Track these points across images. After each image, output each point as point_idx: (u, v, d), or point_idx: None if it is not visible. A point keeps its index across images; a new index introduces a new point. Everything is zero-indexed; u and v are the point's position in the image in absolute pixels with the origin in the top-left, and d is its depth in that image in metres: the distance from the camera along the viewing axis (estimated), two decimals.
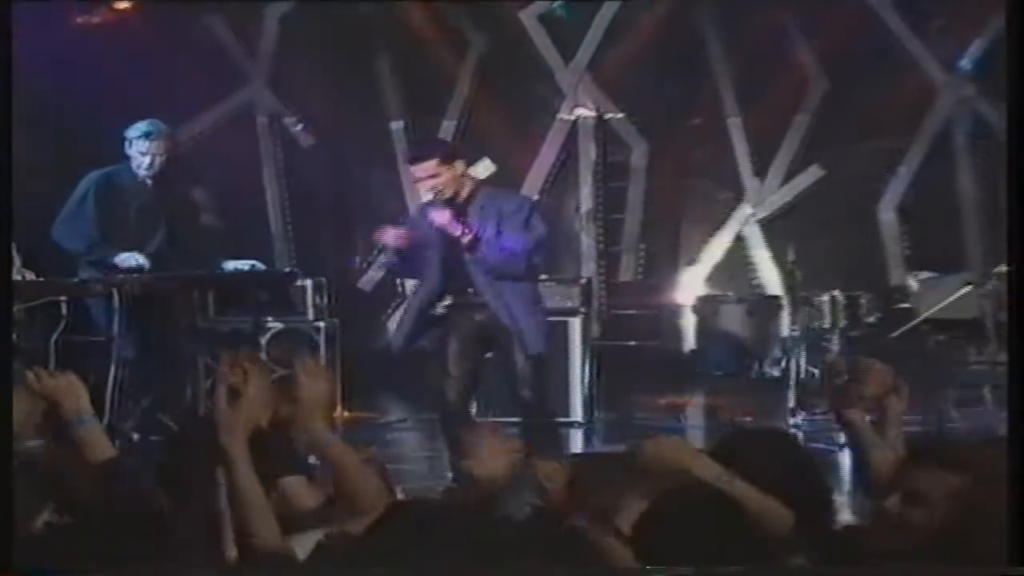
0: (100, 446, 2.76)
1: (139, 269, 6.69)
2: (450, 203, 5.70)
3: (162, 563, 2.13)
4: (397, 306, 9.76)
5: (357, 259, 9.83)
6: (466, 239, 5.58)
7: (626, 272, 9.67)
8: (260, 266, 7.07)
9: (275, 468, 2.67)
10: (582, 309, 7.72)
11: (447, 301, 5.75)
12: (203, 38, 9.32)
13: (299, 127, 9.73)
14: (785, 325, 8.48)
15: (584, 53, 9.76)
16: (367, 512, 2.55)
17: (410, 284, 7.21)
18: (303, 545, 2.56)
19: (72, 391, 2.71)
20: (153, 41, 8.85)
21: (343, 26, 9.41)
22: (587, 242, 9.66)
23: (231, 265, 7.02)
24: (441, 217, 5.65)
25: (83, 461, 2.67)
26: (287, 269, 7.03)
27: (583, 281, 8.02)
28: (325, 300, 8.25)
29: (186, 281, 6.89)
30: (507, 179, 9.19)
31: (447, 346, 5.74)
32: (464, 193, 5.77)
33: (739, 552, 2.20)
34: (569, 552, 2.36)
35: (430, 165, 5.70)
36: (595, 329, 8.49)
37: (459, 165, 5.78)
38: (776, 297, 9.11)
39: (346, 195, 9.80)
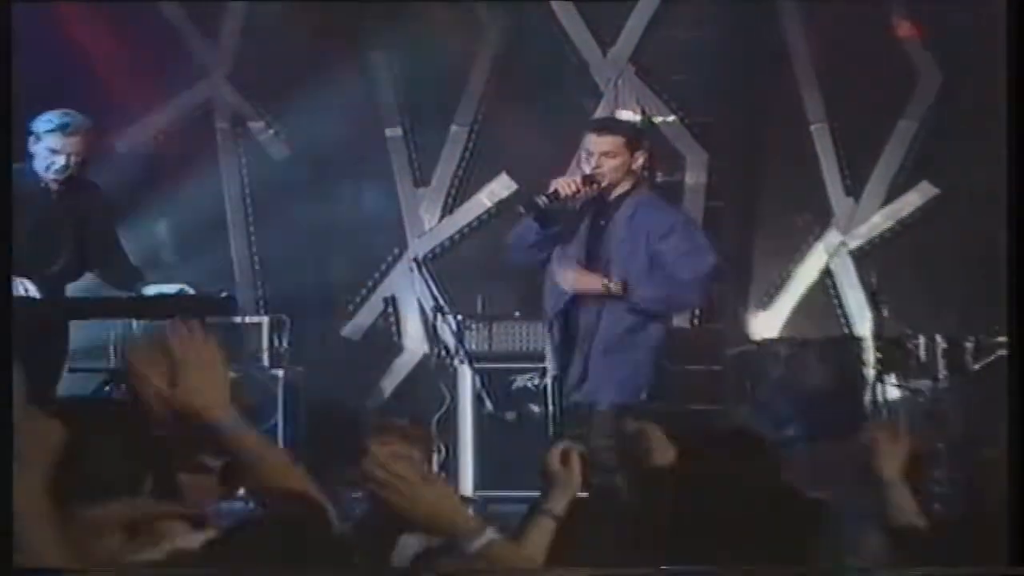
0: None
1: (24, 300, 6.48)
2: (601, 196, 6.11)
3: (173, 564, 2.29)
4: (391, 360, 9.49)
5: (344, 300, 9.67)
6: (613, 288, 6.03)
7: (680, 318, 9.19)
8: (189, 290, 6.86)
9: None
10: None
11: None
12: (147, 18, 9.17)
13: (270, 133, 9.60)
14: (869, 374, 8.05)
15: (627, 41, 9.53)
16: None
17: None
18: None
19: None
20: (79, 20, 8.80)
21: (326, 6, 9.28)
22: None
23: (152, 290, 6.81)
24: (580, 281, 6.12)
25: None
26: (223, 293, 6.80)
27: None
28: (286, 343, 7.98)
29: (90, 308, 6.69)
30: (529, 198, 9.07)
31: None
32: (619, 191, 6.13)
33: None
34: None
35: (614, 141, 6.12)
36: None
37: (640, 157, 6.20)
38: (856, 339, 8.65)
39: (329, 219, 9.56)
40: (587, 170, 6.22)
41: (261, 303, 9.26)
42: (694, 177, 9.51)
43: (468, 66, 9.55)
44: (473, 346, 7.81)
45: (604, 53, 9.53)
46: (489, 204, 9.47)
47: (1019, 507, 2.47)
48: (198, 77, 9.52)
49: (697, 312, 9.31)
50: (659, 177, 9.43)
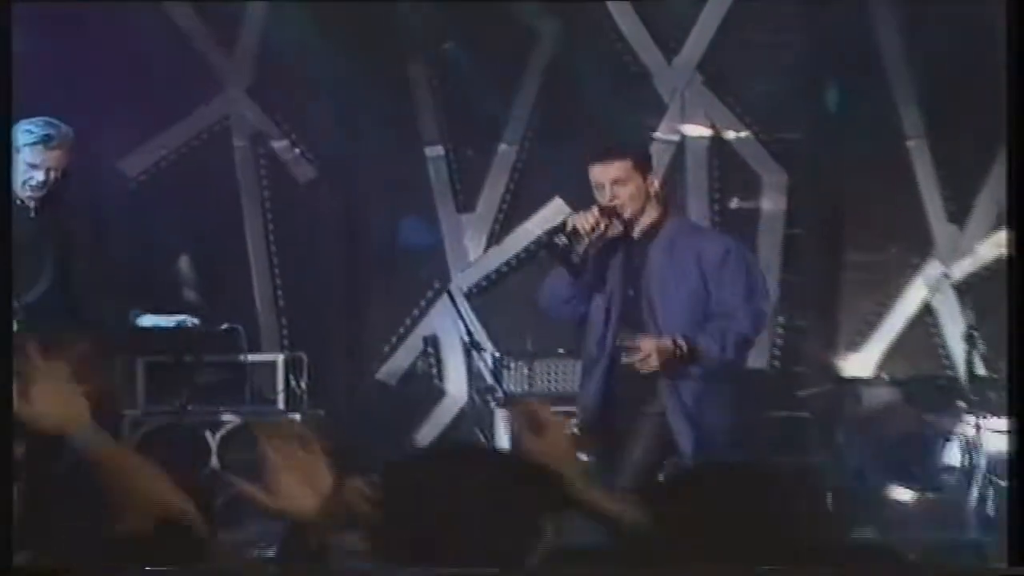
0: None
1: None
2: (624, 232, 6.15)
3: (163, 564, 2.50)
4: (432, 406, 9.35)
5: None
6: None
7: (756, 358, 8.85)
8: (193, 322, 6.97)
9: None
10: None
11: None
12: (155, 23, 9.13)
13: (295, 153, 9.52)
14: (962, 417, 7.85)
15: (694, 46, 9.37)
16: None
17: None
18: None
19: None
20: (78, 25, 8.68)
21: (358, 10, 9.21)
22: None
23: (147, 321, 6.88)
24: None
25: None
26: (224, 325, 6.95)
27: None
28: (303, 383, 8.05)
29: (76, 341, 6.41)
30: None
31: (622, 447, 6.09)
32: (645, 221, 6.16)
33: None
34: None
35: (621, 166, 6.14)
36: None
37: (655, 181, 6.28)
38: (949, 379, 8.44)
39: (361, 248, 9.55)
40: (602, 203, 6.17)
41: (285, 341, 9.18)
42: (771, 201, 9.35)
43: (517, 78, 9.47)
44: (512, 386, 7.78)
45: (668, 61, 9.40)
46: (540, 232, 9.30)
47: (1019, 507, 2.66)
48: (213, 90, 9.47)
49: (776, 352, 9.20)
50: (733, 203, 9.40)
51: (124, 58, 8.86)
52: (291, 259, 9.48)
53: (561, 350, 7.98)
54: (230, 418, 7.80)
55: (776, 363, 9.20)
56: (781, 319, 9.20)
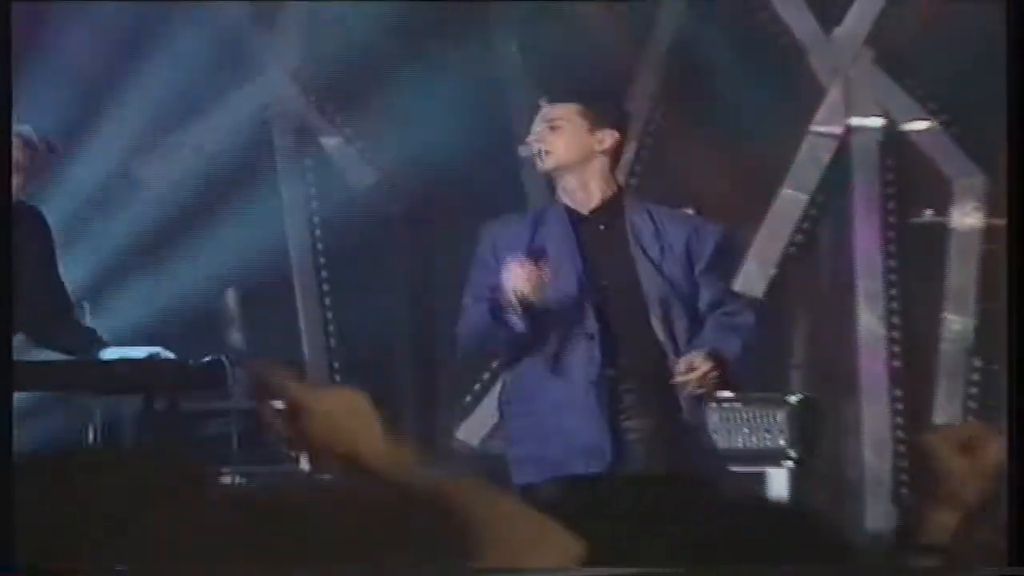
0: None
1: None
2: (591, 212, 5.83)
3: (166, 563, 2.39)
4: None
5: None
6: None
7: (944, 408, 8.63)
8: (166, 355, 6.35)
9: None
10: None
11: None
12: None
13: (351, 152, 9.28)
14: None
15: (861, 15, 8.83)
16: None
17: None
18: None
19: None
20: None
21: None
22: (868, 348, 8.88)
23: (114, 353, 6.35)
24: None
25: None
26: (208, 357, 6.26)
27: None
28: None
29: (26, 376, 6.13)
30: None
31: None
32: (597, 192, 5.78)
33: None
34: None
35: (565, 110, 5.78)
36: (874, 513, 8.38)
37: (607, 137, 5.78)
38: None
39: (435, 270, 9.22)
40: (531, 144, 5.88)
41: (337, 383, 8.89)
42: (964, 211, 8.83)
43: (633, 60, 9.08)
44: None
45: (828, 32, 8.89)
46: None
47: (1019, 507, 2.66)
48: (250, 73, 9.22)
49: (971, 404, 8.67)
50: (915, 214, 8.94)
51: (133, 32, 8.70)
52: (346, 285, 9.21)
53: None
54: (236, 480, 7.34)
55: (971, 416, 8.68)
56: (977, 362, 8.69)
